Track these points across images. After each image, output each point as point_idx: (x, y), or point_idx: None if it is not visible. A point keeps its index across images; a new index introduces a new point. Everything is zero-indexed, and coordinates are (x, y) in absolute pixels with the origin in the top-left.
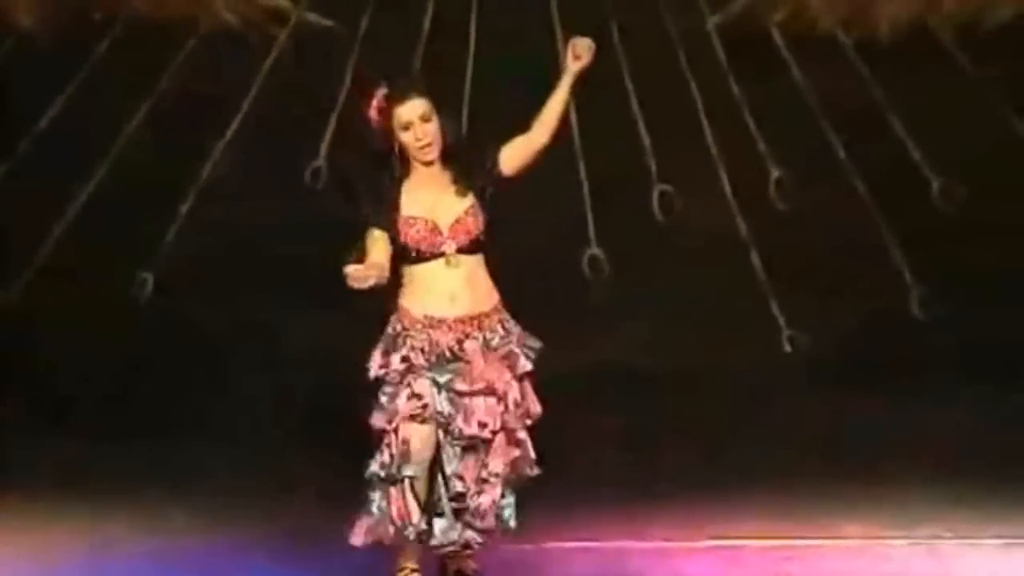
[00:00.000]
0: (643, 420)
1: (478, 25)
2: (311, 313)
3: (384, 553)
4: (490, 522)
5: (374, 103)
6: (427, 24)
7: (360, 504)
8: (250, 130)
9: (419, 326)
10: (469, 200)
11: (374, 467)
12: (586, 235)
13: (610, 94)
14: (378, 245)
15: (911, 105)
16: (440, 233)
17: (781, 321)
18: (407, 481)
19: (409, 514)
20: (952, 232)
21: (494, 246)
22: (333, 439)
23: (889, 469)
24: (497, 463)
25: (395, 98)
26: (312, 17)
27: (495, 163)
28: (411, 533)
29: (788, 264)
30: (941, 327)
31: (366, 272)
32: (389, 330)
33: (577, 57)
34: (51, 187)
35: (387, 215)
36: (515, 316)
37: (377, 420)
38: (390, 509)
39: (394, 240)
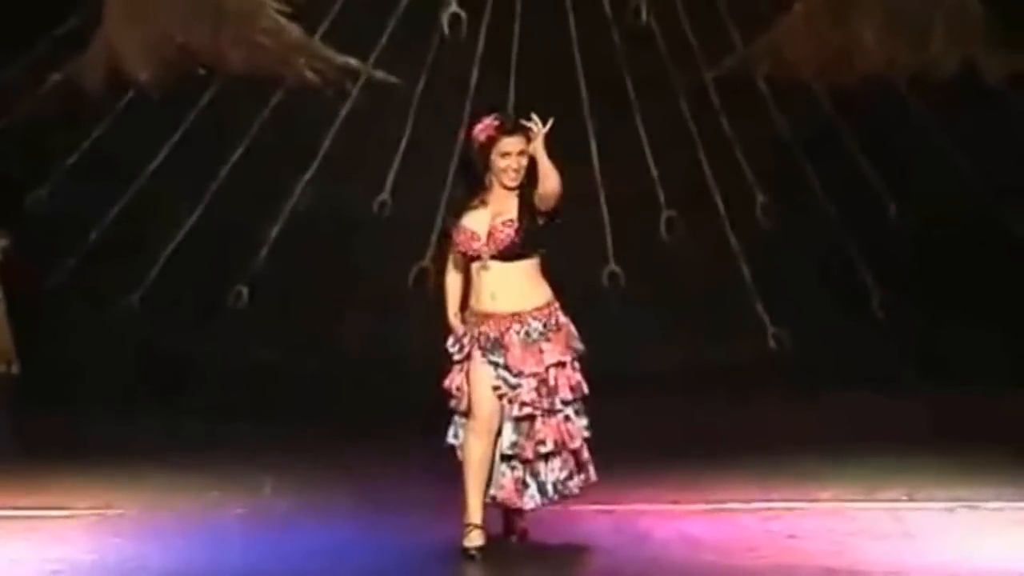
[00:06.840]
0: (654, 401)
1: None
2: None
3: (450, 516)
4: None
5: (483, 127)
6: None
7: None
8: (327, 168)
9: (474, 319)
10: (508, 216)
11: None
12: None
13: (625, 136)
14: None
15: (874, 140)
16: (478, 240)
17: (767, 321)
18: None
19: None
20: (906, 245)
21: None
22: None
23: (855, 445)
24: (547, 437)
25: (505, 131)
26: (379, 75)
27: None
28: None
29: (771, 273)
30: (898, 326)
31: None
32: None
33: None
34: (164, 211)
35: (451, 225)
36: None
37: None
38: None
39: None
